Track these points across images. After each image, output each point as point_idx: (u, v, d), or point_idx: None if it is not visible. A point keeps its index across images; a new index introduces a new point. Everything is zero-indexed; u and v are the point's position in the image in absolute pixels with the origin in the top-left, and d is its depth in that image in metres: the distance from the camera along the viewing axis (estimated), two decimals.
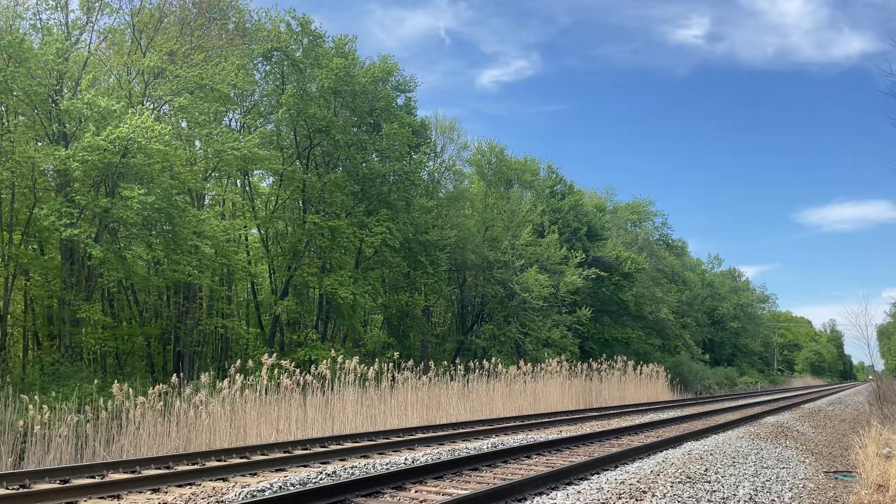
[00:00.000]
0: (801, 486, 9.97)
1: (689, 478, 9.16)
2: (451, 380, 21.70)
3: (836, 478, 11.16)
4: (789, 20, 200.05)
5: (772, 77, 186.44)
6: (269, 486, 8.30)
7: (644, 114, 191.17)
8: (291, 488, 8.21)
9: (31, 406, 12.67)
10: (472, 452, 11.22)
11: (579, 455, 11.59)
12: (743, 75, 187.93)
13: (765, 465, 11.21)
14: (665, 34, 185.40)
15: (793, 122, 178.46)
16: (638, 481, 8.65)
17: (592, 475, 9.33)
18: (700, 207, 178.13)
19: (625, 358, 34.28)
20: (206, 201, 26.65)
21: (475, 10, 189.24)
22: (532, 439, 13.60)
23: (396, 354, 21.55)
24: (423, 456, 11.04)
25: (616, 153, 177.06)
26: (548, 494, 7.90)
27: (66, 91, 20.74)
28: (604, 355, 33.59)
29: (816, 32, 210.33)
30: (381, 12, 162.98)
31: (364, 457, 11.65)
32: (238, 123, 28.54)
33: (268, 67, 27.73)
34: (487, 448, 11.99)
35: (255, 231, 29.54)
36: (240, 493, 7.99)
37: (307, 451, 11.92)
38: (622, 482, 8.61)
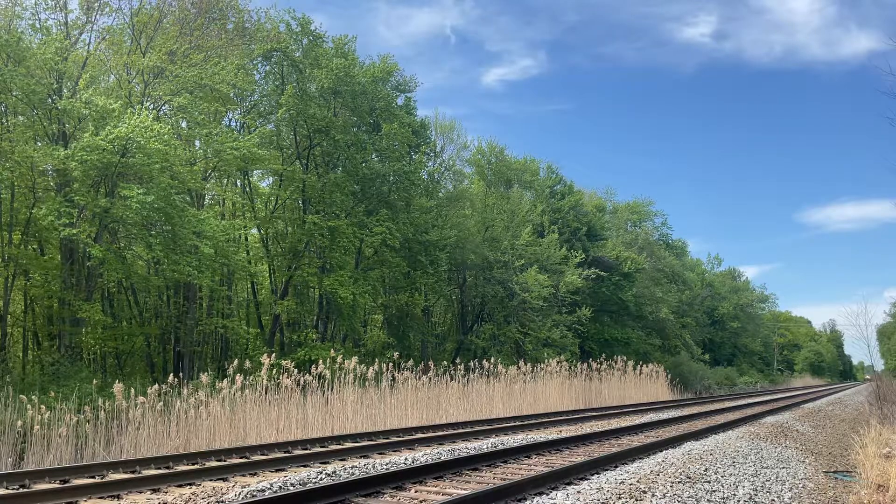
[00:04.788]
0: (800, 485, 9.97)
1: (689, 478, 9.16)
2: (451, 380, 21.70)
3: (836, 478, 11.15)
4: (797, 18, 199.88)
5: (778, 76, 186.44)
6: (269, 486, 8.29)
7: (649, 113, 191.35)
8: (291, 488, 8.21)
9: (30, 406, 12.67)
10: (472, 452, 11.22)
11: (579, 455, 11.59)
12: (749, 74, 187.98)
13: (765, 465, 11.21)
14: (672, 32, 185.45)
15: (798, 120, 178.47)
16: (638, 481, 8.64)
17: (592, 475, 9.32)
18: (703, 207, 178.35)
19: (625, 358, 34.28)
20: (206, 201, 26.63)
21: (481, 7, 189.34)
22: (532, 439, 13.59)
23: (396, 354, 21.54)
24: (423, 456, 11.03)
25: (620, 152, 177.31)
26: (548, 494, 7.90)
27: (65, 91, 20.73)
28: (604, 355, 33.58)
29: (824, 31, 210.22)
30: (386, 10, 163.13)
31: (364, 457, 11.64)
32: (238, 123, 28.53)
33: (267, 68, 27.73)
34: (487, 448, 11.99)
35: (255, 231, 29.53)
36: (240, 493, 7.99)
37: (307, 451, 11.91)
38: (622, 482, 8.61)
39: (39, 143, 20.40)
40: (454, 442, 13.66)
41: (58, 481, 9.03)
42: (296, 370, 16.90)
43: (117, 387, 13.75)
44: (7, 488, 8.53)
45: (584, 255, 38.90)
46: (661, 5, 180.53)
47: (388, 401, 18.81)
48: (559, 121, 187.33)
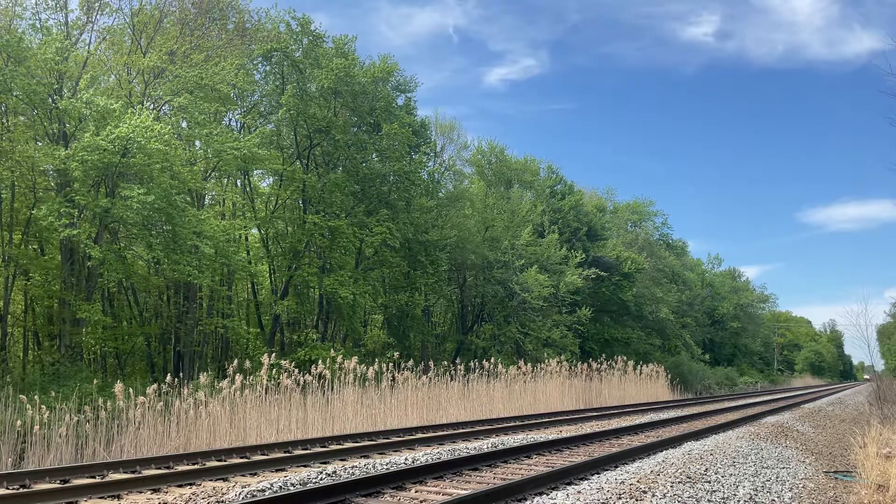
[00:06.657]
0: (801, 486, 9.97)
1: (689, 478, 9.16)
2: (451, 380, 21.71)
3: (836, 478, 11.15)
4: (800, 17, 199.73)
5: (781, 75, 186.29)
6: (269, 485, 8.30)
7: (650, 112, 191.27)
8: (292, 488, 8.21)
9: (30, 406, 12.67)
10: (472, 452, 11.22)
11: (579, 455, 11.59)
12: (752, 73, 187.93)
13: (765, 465, 11.21)
14: (674, 31, 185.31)
15: (801, 120, 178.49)
16: (638, 481, 8.65)
17: (592, 475, 9.33)
18: (704, 207, 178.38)
19: (625, 358, 34.28)
20: (206, 201, 26.62)
21: (484, 7, 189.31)
22: (532, 439, 13.59)
23: (396, 354, 21.55)
24: (423, 456, 11.03)
25: (620, 152, 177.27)
26: (548, 494, 7.90)
27: (65, 91, 20.73)
28: (604, 355, 33.58)
29: (827, 30, 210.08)
30: (388, 9, 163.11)
31: (364, 457, 11.64)
32: (238, 123, 28.53)
33: (267, 68, 27.70)
34: (487, 448, 11.99)
35: (255, 231, 29.52)
36: (240, 493, 7.99)
37: (307, 451, 11.92)
38: (622, 482, 8.61)
39: (40, 143, 20.39)
40: (454, 442, 13.66)
41: (58, 481, 9.03)
42: (296, 370, 16.90)
43: (117, 387, 13.76)
44: (7, 488, 8.54)
45: (584, 255, 38.90)
46: (664, 5, 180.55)
47: (389, 401, 18.81)
48: (560, 121, 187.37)
